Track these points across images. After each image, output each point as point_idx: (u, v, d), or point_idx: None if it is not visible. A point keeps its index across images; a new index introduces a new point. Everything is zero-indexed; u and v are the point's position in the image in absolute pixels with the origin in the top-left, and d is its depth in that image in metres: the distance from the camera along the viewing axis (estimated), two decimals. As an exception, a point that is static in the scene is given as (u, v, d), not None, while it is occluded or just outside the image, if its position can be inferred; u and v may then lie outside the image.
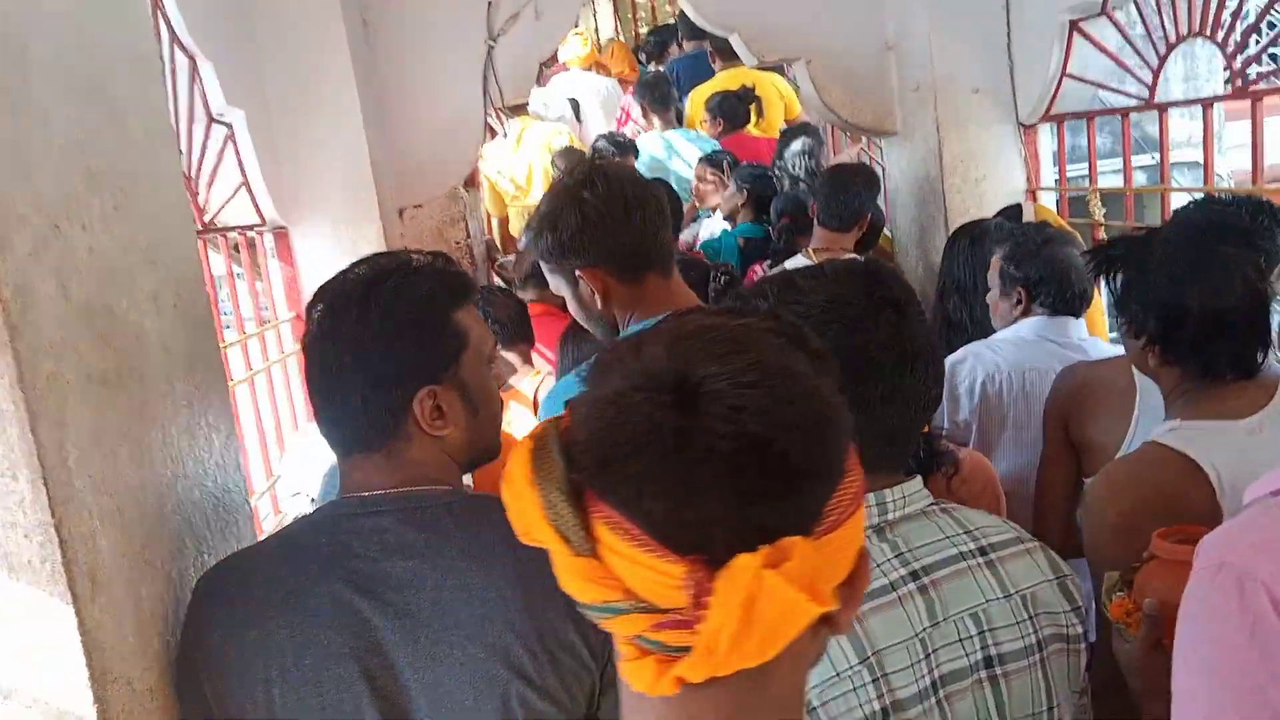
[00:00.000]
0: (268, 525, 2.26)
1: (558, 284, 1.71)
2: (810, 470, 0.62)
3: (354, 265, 1.23)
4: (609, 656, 1.16)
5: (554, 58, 4.67)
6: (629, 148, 4.27)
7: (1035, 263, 2.03)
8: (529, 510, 0.64)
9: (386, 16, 2.89)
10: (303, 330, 1.23)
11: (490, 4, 2.94)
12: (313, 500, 1.66)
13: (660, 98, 4.98)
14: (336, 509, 1.19)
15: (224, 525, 1.40)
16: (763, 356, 0.63)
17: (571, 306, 1.74)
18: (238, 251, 2.56)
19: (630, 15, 6.99)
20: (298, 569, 1.15)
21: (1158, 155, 3.78)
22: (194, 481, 1.31)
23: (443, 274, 1.22)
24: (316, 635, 1.11)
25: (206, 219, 2.36)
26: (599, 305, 1.65)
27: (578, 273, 1.65)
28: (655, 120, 5.02)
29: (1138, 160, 3.82)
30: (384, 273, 1.18)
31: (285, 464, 2.25)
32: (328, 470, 1.65)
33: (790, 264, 3.29)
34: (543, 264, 1.73)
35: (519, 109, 4.14)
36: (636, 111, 5.29)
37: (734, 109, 4.72)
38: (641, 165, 4.54)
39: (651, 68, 5.64)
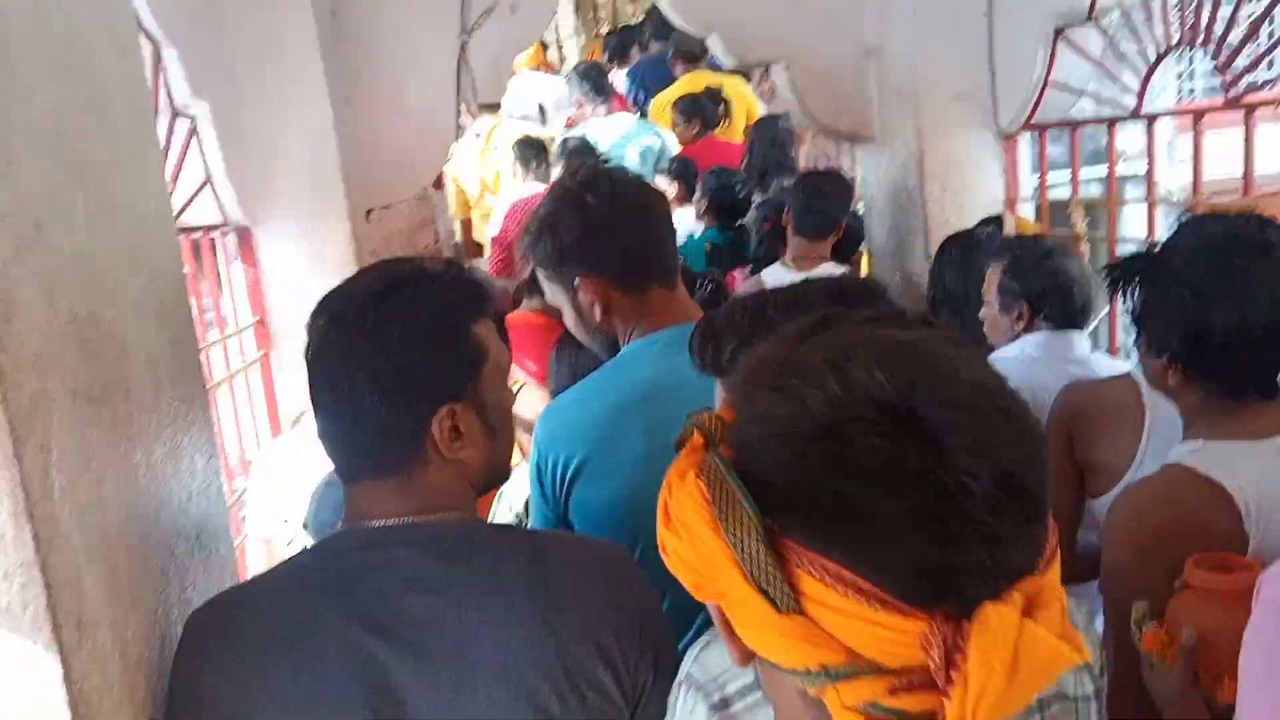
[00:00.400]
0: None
1: (554, 292, 1.62)
2: (1046, 500, 0.57)
3: (362, 273, 1.13)
4: (640, 697, 1.09)
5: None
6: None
7: (1038, 275, 1.98)
8: (715, 562, 0.56)
9: (356, 7, 2.77)
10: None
11: (464, -3, 2.83)
12: (304, 525, 1.55)
13: (596, 87, 4.93)
14: (344, 540, 1.09)
15: (206, 555, 1.28)
16: (975, 377, 0.57)
17: (568, 317, 1.65)
18: (197, 254, 2.42)
19: (591, 15, 6.91)
20: (303, 607, 1.04)
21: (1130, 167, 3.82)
22: (177, 509, 1.20)
23: (461, 283, 1.12)
24: (325, 681, 1.01)
25: (167, 217, 2.22)
26: (598, 317, 1.56)
27: (577, 281, 1.56)
28: (595, 109, 4.95)
29: (1089, 172, 3.86)
30: (400, 281, 1.08)
31: (252, 484, 2.12)
32: (317, 490, 1.54)
33: (768, 273, 3.25)
34: (540, 271, 1.64)
35: (491, 108, 4.03)
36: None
37: (706, 109, 4.69)
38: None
39: (614, 69, 5.57)
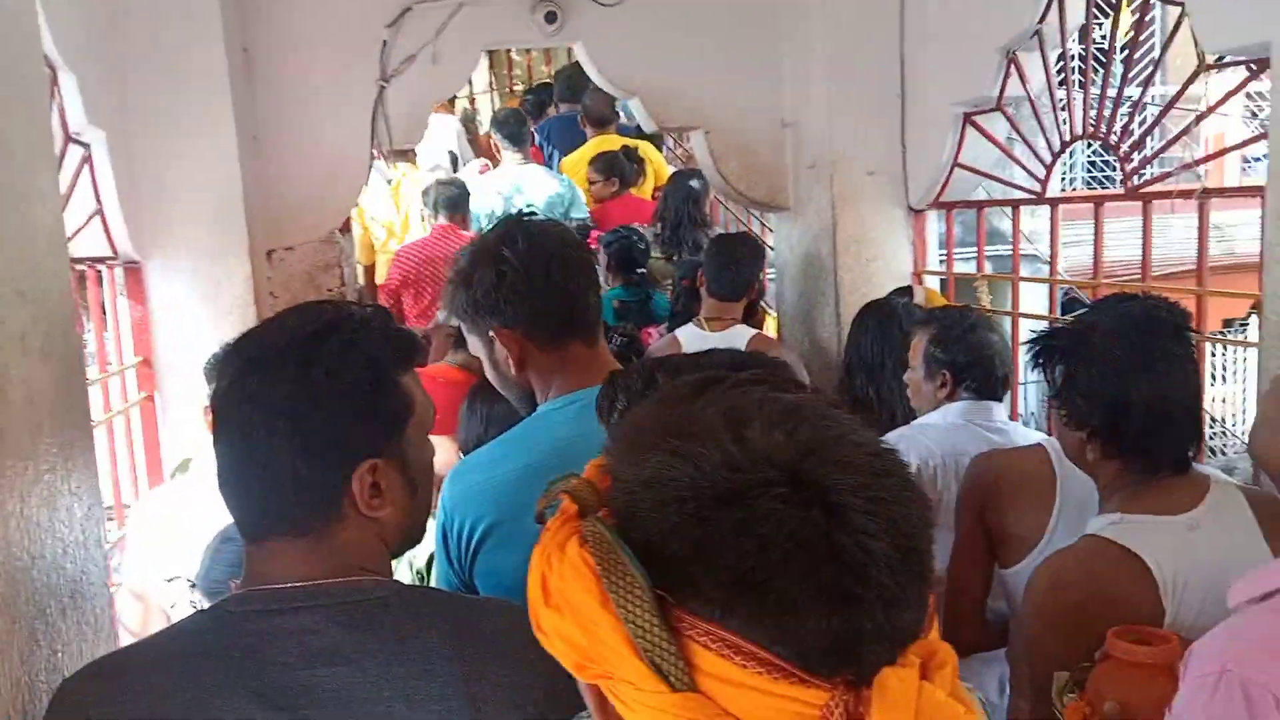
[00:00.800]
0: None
1: (475, 344, 1.57)
2: (932, 560, 0.56)
3: (284, 314, 1.05)
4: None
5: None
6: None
7: (961, 347, 2.02)
8: (603, 639, 0.52)
9: (270, 45, 2.68)
10: (210, 393, 1.03)
11: (385, 43, 2.77)
12: (193, 585, 1.42)
13: (512, 135, 4.88)
14: (244, 603, 0.98)
15: (80, 615, 1.16)
16: (862, 439, 0.56)
17: (487, 369, 1.59)
18: (82, 286, 2.27)
19: (505, 71, 6.92)
20: (193, 680, 0.93)
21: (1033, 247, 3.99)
22: (51, 563, 1.08)
23: (390, 331, 1.05)
24: (217, 765, 0.90)
25: (52, 247, 2.06)
26: (514, 371, 1.50)
27: (492, 334, 1.51)
28: (511, 156, 4.90)
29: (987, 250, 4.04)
30: (327, 326, 1.00)
31: (129, 534, 1.96)
32: (211, 544, 1.42)
33: (681, 331, 3.25)
34: (461, 323, 1.58)
35: (404, 154, 3.96)
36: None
37: (625, 167, 4.72)
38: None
39: (531, 124, 5.56)
